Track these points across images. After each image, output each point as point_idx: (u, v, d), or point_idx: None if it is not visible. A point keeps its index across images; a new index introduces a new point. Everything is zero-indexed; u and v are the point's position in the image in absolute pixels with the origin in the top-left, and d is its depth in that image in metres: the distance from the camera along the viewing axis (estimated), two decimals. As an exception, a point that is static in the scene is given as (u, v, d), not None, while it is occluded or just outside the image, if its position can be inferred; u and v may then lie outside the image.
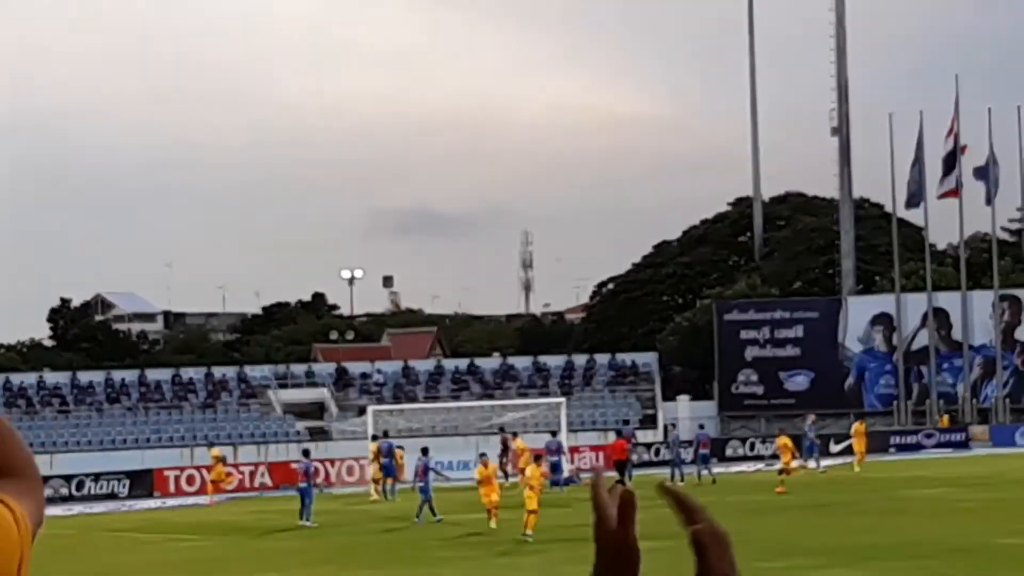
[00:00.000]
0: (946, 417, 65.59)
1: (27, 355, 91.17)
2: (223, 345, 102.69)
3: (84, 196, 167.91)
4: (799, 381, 69.16)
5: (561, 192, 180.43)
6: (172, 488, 55.47)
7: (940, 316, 67.85)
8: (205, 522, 40.76)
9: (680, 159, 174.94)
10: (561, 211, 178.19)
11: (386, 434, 51.95)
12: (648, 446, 59.33)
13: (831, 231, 75.88)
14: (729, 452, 59.63)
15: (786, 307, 70.72)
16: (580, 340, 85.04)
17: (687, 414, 66.86)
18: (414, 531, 34.87)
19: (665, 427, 63.34)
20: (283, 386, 71.49)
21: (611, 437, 53.16)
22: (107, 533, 38.62)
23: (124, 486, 54.88)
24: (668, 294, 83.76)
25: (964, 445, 61.75)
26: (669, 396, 70.37)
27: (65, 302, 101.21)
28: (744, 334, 69.91)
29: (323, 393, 71.07)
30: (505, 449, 54.10)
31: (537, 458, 36.77)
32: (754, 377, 69.64)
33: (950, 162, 67.18)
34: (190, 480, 56.12)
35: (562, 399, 58.84)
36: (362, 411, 60.85)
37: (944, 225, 79.59)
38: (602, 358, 73.55)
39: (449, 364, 75.36)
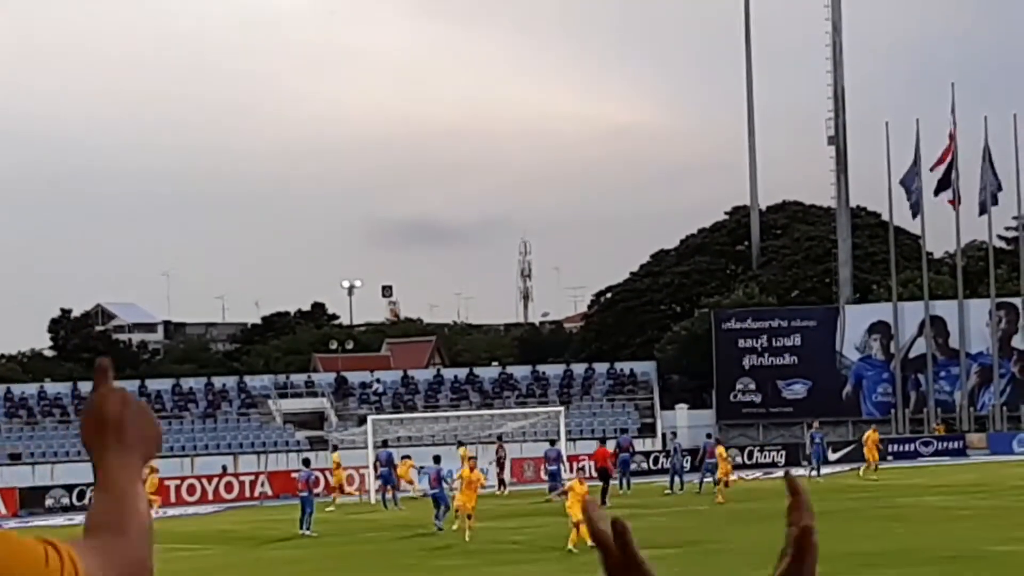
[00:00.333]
0: (941, 425, 65.80)
1: (27, 365, 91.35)
2: (223, 355, 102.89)
3: (84, 206, 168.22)
4: (797, 389, 69.32)
5: (559, 201, 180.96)
6: (173, 498, 55.62)
7: (937, 324, 68.01)
8: (205, 531, 40.91)
9: (677, 168, 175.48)
10: (559, 220, 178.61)
11: (385, 444, 52.09)
12: (647, 455, 59.49)
13: (828, 240, 76.08)
14: (727, 460, 59.70)
15: (784, 316, 70.89)
16: (578, 349, 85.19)
17: (685, 423, 67.02)
18: (414, 540, 35.00)
19: (663, 435, 63.52)
20: (283, 396, 71.62)
21: (610, 446, 53.21)
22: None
23: (124, 496, 54.96)
24: (666, 303, 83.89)
25: (962, 453, 61.94)
26: (667, 405, 70.50)
27: (65, 312, 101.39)
28: (742, 343, 70.07)
29: (323, 403, 71.22)
30: (500, 459, 54.39)
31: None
32: (752, 385, 69.80)
33: (947, 171, 67.38)
34: (191, 490, 56.31)
35: (561, 408, 59.00)
36: (362, 420, 60.95)
37: (941, 233, 79.94)
38: (601, 367, 73.70)
39: (448, 373, 75.50)
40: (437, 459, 41.13)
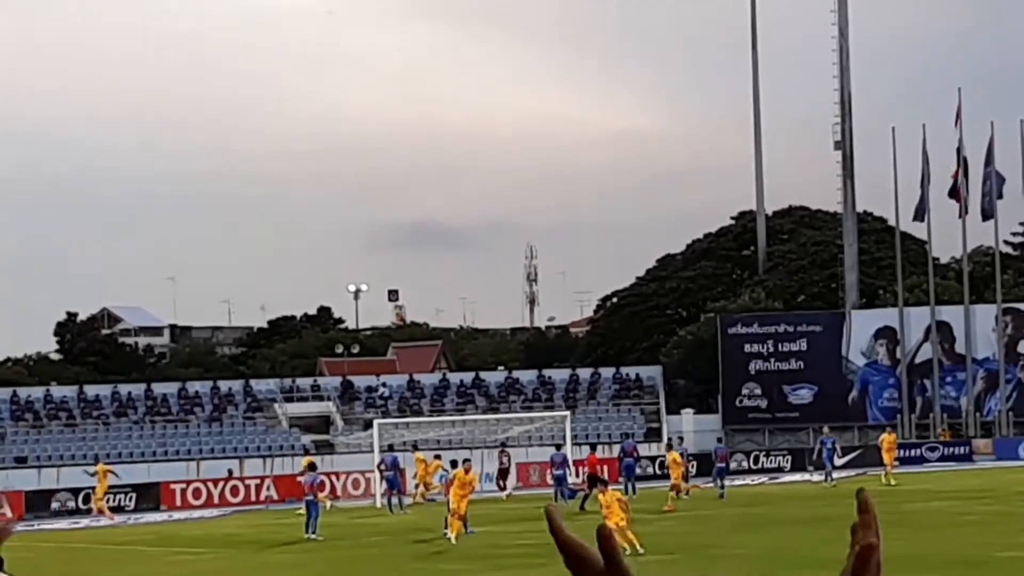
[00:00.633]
0: (947, 431, 65.70)
1: (34, 369, 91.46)
2: (229, 359, 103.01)
3: (90, 210, 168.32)
4: (803, 394, 69.27)
5: (565, 206, 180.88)
6: (178, 501, 55.72)
7: (943, 329, 67.96)
8: (211, 535, 40.95)
9: (684, 173, 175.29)
10: (565, 225, 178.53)
11: (391, 448, 52.08)
12: (653, 459, 59.49)
13: (834, 245, 76.05)
14: (733, 465, 59.59)
15: (790, 321, 70.85)
16: (584, 354, 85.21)
17: (691, 427, 67.06)
18: (419, 545, 34.98)
19: (669, 440, 63.52)
20: (289, 400, 71.71)
21: (615, 450, 53.27)
22: (113, 546, 38.78)
23: (130, 499, 55.09)
24: (672, 308, 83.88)
25: (968, 458, 61.86)
26: (673, 409, 70.51)
27: (72, 316, 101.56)
28: (748, 347, 70.02)
29: (329, 407, 71.28)
30: (504, 468, 54.42)
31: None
32: (758, 390, 69.76)
33: (955, 176, 67.38)
34: (196, 493, 56.41)
35: (567, 412, 59.00)
36: (368, 425, 61.03)
37: (947, 239, 79.94)
38: (607, 372, 73.75)
39: (454, 378, 75.53)
40: (454, 464, 41.09)
